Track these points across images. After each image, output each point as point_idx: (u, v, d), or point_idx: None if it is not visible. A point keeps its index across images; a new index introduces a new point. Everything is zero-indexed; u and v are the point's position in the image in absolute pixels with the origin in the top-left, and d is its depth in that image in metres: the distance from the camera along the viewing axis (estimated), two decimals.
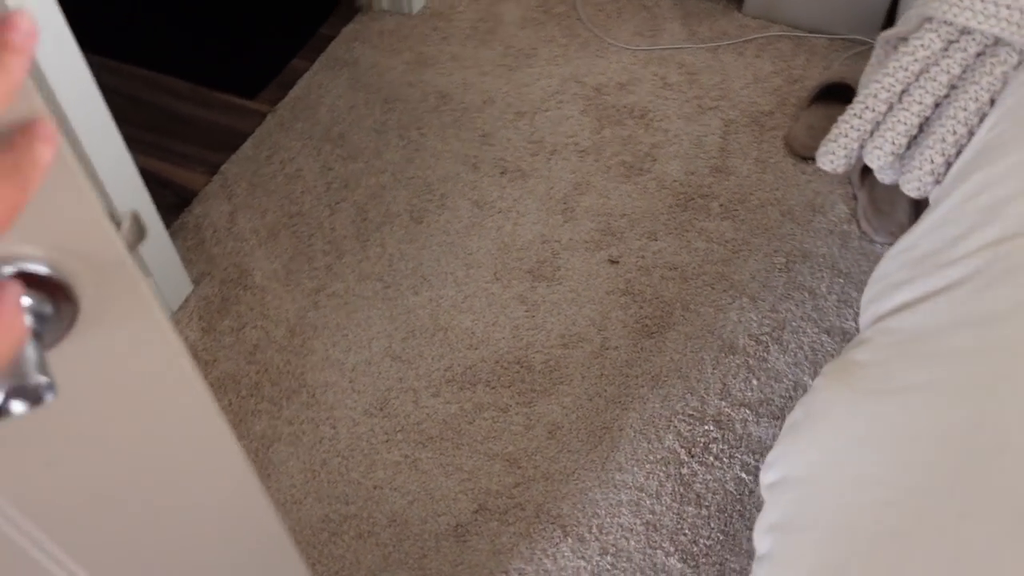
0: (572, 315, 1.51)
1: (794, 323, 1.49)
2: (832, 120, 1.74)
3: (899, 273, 0.98)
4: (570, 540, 1.27)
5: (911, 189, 1.15)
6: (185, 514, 0.63)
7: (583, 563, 1.25)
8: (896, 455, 0.75)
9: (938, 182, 1.14)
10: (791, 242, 1.60)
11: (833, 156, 1.22)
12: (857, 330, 1.36)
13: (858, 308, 1.45)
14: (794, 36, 1.96)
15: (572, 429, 1.37)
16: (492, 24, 2.02)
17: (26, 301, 0.40)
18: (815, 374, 1.42)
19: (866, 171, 1.66)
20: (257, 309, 1.52)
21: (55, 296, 0.42)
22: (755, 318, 1.50)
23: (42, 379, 0.37)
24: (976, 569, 0.65)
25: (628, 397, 1.41)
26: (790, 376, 1.43)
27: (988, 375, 0.75)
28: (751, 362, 1.44)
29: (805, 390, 1.39)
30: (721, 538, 1.27)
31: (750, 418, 1.38)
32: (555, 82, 1.89)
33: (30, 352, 0.38)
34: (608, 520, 1.29)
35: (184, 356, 0.51)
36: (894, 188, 1.61)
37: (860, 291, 1.52)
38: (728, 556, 1.25)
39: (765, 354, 1.45)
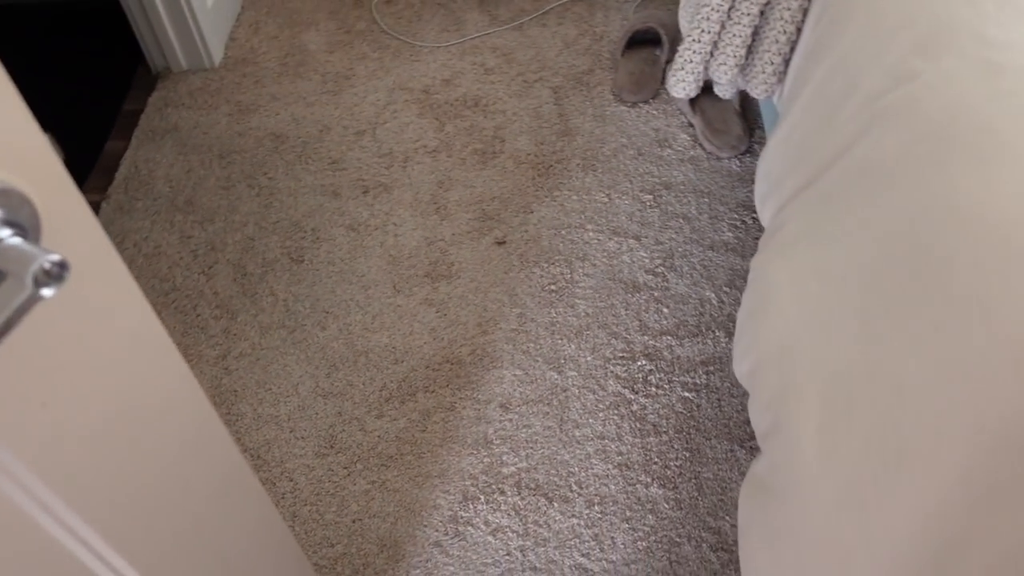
0: (480, 302, 1.54)
1: (680, 249, 1.59)
2: (647, 63, 1.86)
3: (785, 161, 1.08)
4: (556, 504, 1.30)
5: (759, 92, 1.27)
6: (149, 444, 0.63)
7: (575, 520, 1.29)
8: (848, 298, 0.84)
9: (780, 81, 1.26)
10: (651, 178, 1.71)
11: (684, 83, 1.32)
12: (760, 228, 1.47)
13: (729, 219, 1.58)
14: (585, 1, 2.08)
15: (521, 401, 1.41)
16: (300, 57, 2.01)
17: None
18: (715, 288, 1.53)
19: (695, 99, 1.79)
20: None
21: (20, 209, 0.43)
22: (645, 255, 1.59)
23: (54, 256, 0.40)
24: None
25: (560, 358, 1.46)
26: (694, 296, 1.53)
27: (904, 209, 0.85)
28: (656, 294, 1.53)
29: (711, 304, 1.50)
30: (687, 455, 1.34)
31: (674, 343, 1.47)
32: (382, 95, 1.91)
33: (26, 246, 0.40)
34: (583, 475, 1.33)
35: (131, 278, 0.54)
36: (723, 107, 1.76)
37: (725, 205, 1.65)
38: (699, 469, 1.33)
39: (665, 283, 1.55)
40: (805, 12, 1.17)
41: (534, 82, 1.91)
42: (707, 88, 1.80)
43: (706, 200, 1.66)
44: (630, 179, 1.71)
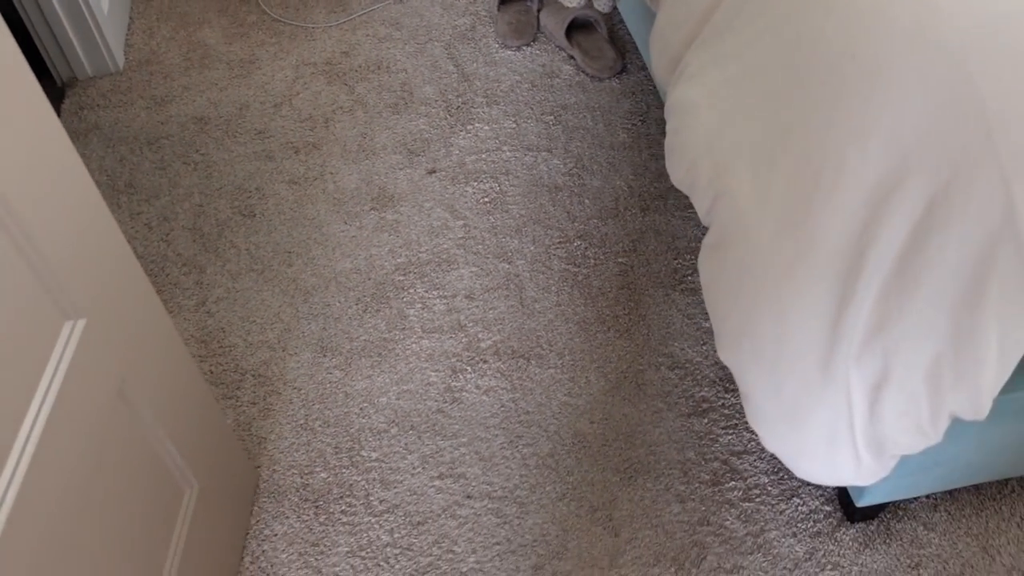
0: (426, 221, 1.73)
1: (587, 153, 1.84)
2: (522, 13, 2.12)
3: (673, 30, 1.34)
4: (533, 361, 1.51)
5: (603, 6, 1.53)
6: None
7: (552, 370, 1.49)
8: (755, 90, 1.10)
9: None
10: (548, 103, 1.95)
11: None
12: (648, 127, 1.71)
13: (621, 125, 1.84)
14: None
15: (483, 290, 1.61)
16: (202, 51, 2.14)
17: None
18: (623, 178, 1.78)
19: (570, 33, 2.06)
20: None
21: None
22: (559, 162, 1.83)
23: None
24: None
25: (510, 252, 1.67)
26: (607, 186, 1.78)
27: (784, 19, 1.11)
28: (575, 191, 1.77)
29: (623, 190, 1.75)
30: (632, 305, 1.58)
31: (600, 224, 1.71)
32: (289, 72, 2.07)
33: None
34: (550, 335, 1.54)
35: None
36: (595, 37, 2.03)
37: (614, 115, 1.91)
38: (644, 312, 1.57)
39: (581, 181, 1.79)
40: None
41: (425, 43, 2.12)
42: (578, 25, 2.07)
43: (599, 113, 1.92)
44: (530, 107, 1.95)
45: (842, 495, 1.30)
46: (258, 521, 1.33)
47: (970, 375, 0.96)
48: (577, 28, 2.08)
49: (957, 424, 1.10)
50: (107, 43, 2.05)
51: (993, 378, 0.96)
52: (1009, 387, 1.07)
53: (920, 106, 0.93)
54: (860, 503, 1.21)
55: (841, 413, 1.04)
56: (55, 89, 2.07)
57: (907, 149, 0.93)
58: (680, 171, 1.21)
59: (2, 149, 0.72)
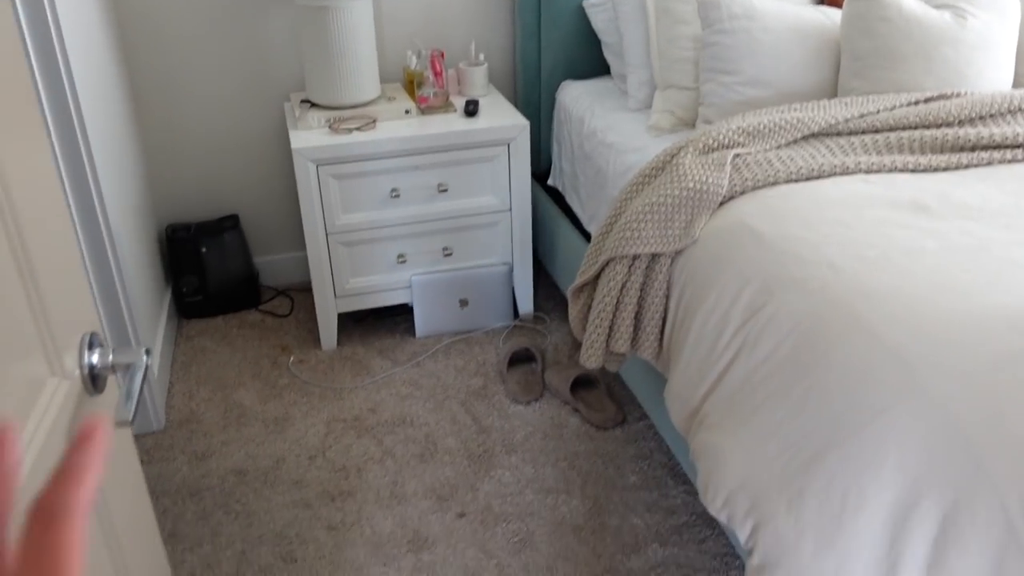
0: (462, 561, 1.84)
1: (602, 494, 2.02)
2: (528, 373, 2.42)
3: (688, 387, 1.61)
4: None
5: (648, 355, 1.82)
6: None
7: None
8: (771, 434, 1.33)
9: (661, 347, 1.83)
10: (561, 451, 2.17)
11: (595, 356, 1.86)
12: (652, 468, 1.92)
13: (629, 468, 2.05)
14: (460, 340, 2.65)
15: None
16: (239, 411, 2.35)
17: None
18: (638, 514, 1.95)
19: (574, 389, 2.34)
20: None
21: None
22: (578, 503, 2.00)
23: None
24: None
25: None
26: (626, 524, 1.93)
27: (796, 383, 1.38)
28: (596, 529, 1.92)
29: (642, 530, 1.91)
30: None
31: (624, 559, 1.84)
32: (321, 427, 2.28)
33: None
34: None
35: None
36: (597, 393, 2.31)
37: (622, 459, 2.13)
38: None
39: (601, 521, 1.95)
40: (668, 296, 1.78)
41: (443, 400, 2.38)
42: (580, 382, 2.36)
43: (608, 459, 2.14)
44: (545, 454, 2.16)
45: None
46: None
47: None
48: (580, 385, 2.37)
49: None
50: (151, 404, 2.25)
51: None
52: None
53: (918, 442, 1.16)
54: None
55: None
56: None
57: (917, 474, 1.15)
58: (717, 504, 1.40)
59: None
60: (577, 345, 2.60)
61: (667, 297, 1.79)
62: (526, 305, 2.71)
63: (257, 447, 2.21)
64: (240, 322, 2.77)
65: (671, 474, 2.09)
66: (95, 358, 0.86)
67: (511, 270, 2.65)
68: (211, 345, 2.66)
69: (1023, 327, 1.24)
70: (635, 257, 1.79)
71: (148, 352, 0.89)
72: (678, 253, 1.74)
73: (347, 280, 2.54)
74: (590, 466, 2.12)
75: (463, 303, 2.64)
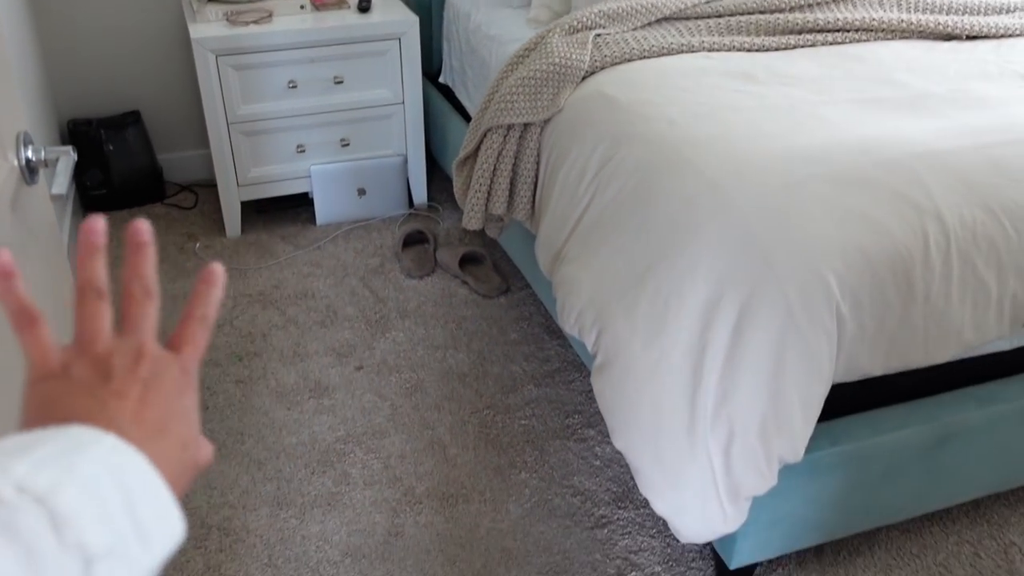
0: (359, 403, 2.07)
1: (486, 349, 2.27)
2: (420, 252, 2.62)
3: (552, 232, 1.85)
4: (461, 500, 1.81)
5: (522, 216, 2.05)
6: None
7: (477, 506, 1.80)
8: (616, 254, 1.58)
9: (533, 209, 2.06)
10: (451, 316, 2.40)
11: (475, 218, 2.08)
12: (532, 326, 2.16)
13: (511, 328, 2.30)
14: (359, 226, 2.83)
15: (414, 452, 1.93)
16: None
17: None
18: (516, 362, 2.20)
19: (462, 264, 2.56)
20: None
21: None
22: (464, 356, 2.24)
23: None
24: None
25: (431, 422, 2.02)
26: (506, 372, 2.19)
27: (631, 215, 1.63)
28: (480, 375, 2.17)
29: (520, 375, 2.16)
30: (538, 454, 1.94)
31: (503, 398, 2.10)
32: (228, 301, 2.45)
33: None
34: (474, 481, 1.86)
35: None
36: (483, 267, 2.54)
37: (505, 321, 2.38)
38: (549, 459, 1.92)
39: (484, 369, 2.19)
40: (538, 163, 2.01)
41: (343, 277, 2.57)
42: (468, 258, 2.59)
43: (492, 321, 2.38)
44: (436, 318, 2.39)
45: (720, 572, 1.64)
46: None
47: (786, 426, 1.38)
48: (467, 260, 2.60)
49: (788, 479, 1.49)
50: None
51: (802, 426, 1.39)
52: (823, 444, 1.49)
53: (724, 251, 1.43)
54: (732, 565, 1.56)
55: (706, 471, 1.42)
56: None
57: (720, 279, 1.42)
58: (571, 321, 1.65)
59: None
60: (467, 231, 2.82)
61: (537, 163, 2.01)
62: (420, 195, 2.91)
63: (166, 318, 2.37)
64: (146, 214, 2.89)
65: (547, 331, 2.35)
66: (29, 153, 1.03)
67: (405, 161, 2.84)
68: (117, 235, 2.77)
69: (813, 160, 1.51)
70: (509, 127, 2.01)
71: (74, 149, 1.06)
72: (546, 122, 1.96)
73: (249, 170, 2.68)
74: (476, 327, 2.36)
75: (361, 192, 2.82)
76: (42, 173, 1.09)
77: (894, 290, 1.39)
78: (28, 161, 1.03)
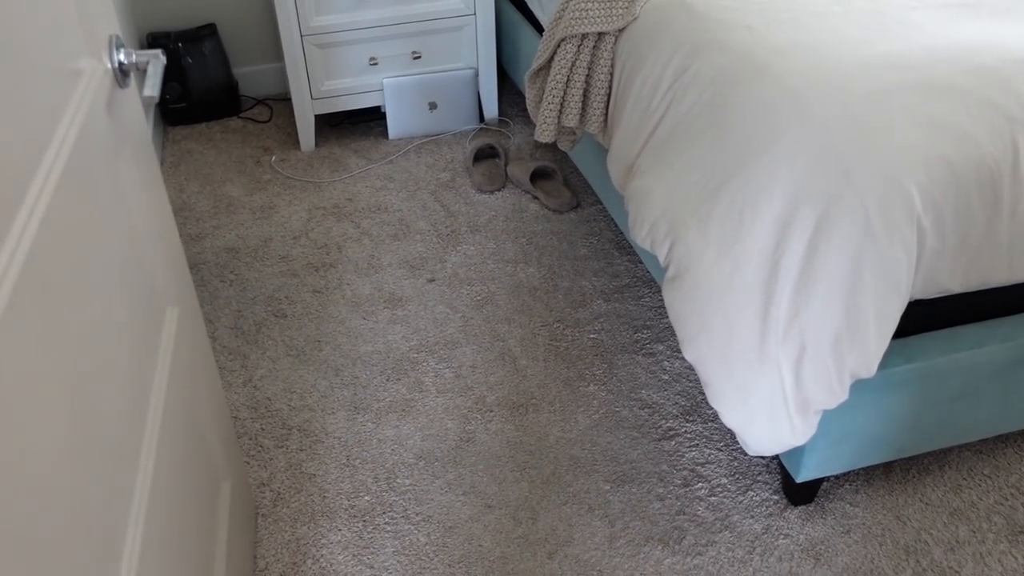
0: (432, 315, 2.11)
1: (556, 264, 2.28)
2: (492, 167, 2.62)
3: (625, 146, 1.83)
4: (531, 410, 1.85)
5: (595, 129, 2.03)
6: None
7: (546, 416, 1.84)
8: (693, 166, 1.56)
9: (606, 124, 2.03)
10: (521, 231, 2.41)
11: (547, 131, 2.07)
12: (602, 242, 2.15)
13: (581, 243, 2.30)
14: (430, 141, 2.84)
15: (485, 363, 1.97)
16: (227, 201, 2.57)
17: None
18: (587, 279, 2.21)
19: (533, 179, 2.56)
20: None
21: None
22: (535, 271, 2.26)
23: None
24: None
25: (502, 334, 2.05)
26: (576, 286, 2.20)
27: (710, 126, 1.60)
28: (550, 289, 2.19)
29: (589, 290, 2.17)
30: (607, 367, 1.96)
31: (572, 312, 2.12)
32: (304, 214, 2.50)
33: None
34: (543, 392, 1.90)
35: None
36: (554, 182, 2.53)
37: (575, 237, 2.38)
38: (615, 370, 1.95)
39: (554, 284, 2.21)
40: (611, 76, 1.97)
41: (415, 191, 2.60)
42: (539, 173, 2.58)
43: (563, 236, 2.39)
44: (506, 233, 2.40)
45: (786, 486, 1.65)
46: (316, 535, 1.60)
47: (859, 341, 1.37)
48: (539, 176, 2.59)
49: (859, 395, 1.49)
50: None
51: (876, 341, 1.37)
52: (897, 360, 1.48)
53: (802, 161, 1.39)
54: (799, 479, 1.57)
55: (776, 384, 1.42)
56: None
57: (798, 190, 1.39)
58: (643, 234, 1.64)
59: None
60: (538, 146, 2.80)
61: (611, 74, 1.98)
62: (491, 109, 2.89)
63: (246, 230, 2.44)
64: (223, 128, 2.95)
65: (617, 247, 2.34)
66: (121, 56, 1.06)
67: (476, 74, 2.81)
68: (197, 148, 2.84)
69: (898, 67, 1.45)
70: (583, 37, 1.97)
71: (164, 52, 1.09)
72: (621, 31, 1.92)
73: (322, 83, 2.70)
74: (546, 242, 2.36)
75: (432, 106, 2.81)
76: (132, 78, 1.12)
77: (979, 203, 1.34)
78: (120, 64, 1.06)
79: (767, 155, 1.43)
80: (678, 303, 1.54)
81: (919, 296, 1.44)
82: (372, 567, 1.54)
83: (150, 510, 0.94)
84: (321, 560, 1.56)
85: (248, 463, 1.74)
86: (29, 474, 0.64)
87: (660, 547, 1.57)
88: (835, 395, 1.41)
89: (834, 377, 1.40)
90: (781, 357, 1.41)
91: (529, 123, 2.94)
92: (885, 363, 1.46)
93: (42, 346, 0.70)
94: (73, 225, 0.83)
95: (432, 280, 2.23)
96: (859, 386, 1.46)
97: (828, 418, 1.49)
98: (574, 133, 2.15)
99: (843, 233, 1.35)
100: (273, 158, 2.77)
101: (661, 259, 1.60)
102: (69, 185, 0.82)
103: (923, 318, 1.52)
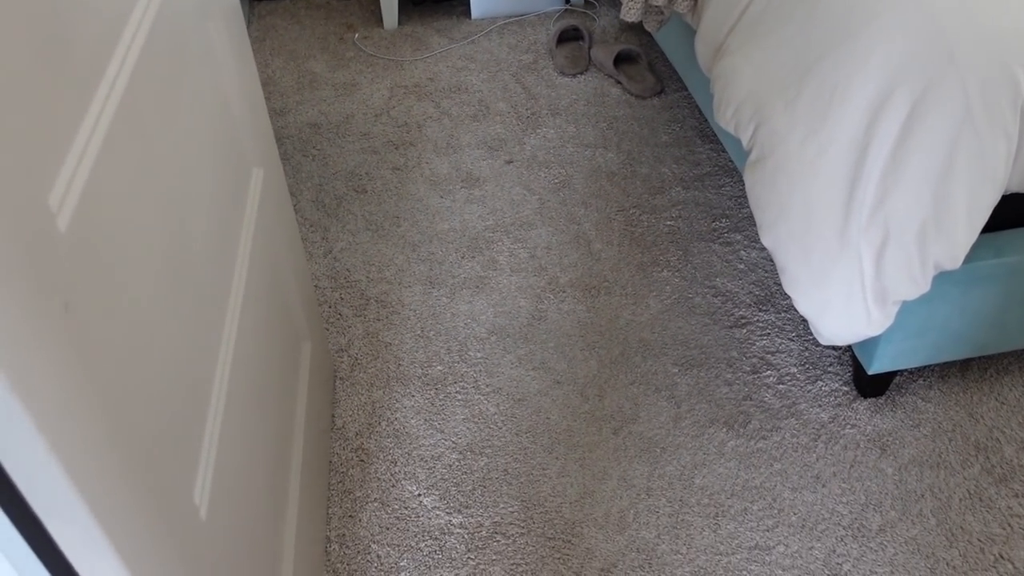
0: (508, 196, 2.12)
1: (635, 150, 2.24)
2: (575, 49, 2.56)
3: (715, 23, 1.76)
4: (603, 292, 1.87)
5: (683, 8, 1.96)
6: None
7: (618, 299, 1.85)
8: (781, 48, 1.50)
9: (696, 2, 1.96)
10: (602, 115, 2.37)
11: (634, 9, 2.01)
12: (683, 127, 2.10)
13: (663, 130, 2.25)
14: (513, 22, 2.79)
15: (560, 245, 1.98)
16: (311, 77, 2.58)
17: None
18: (667, 165, 2.17)
19: (617, 63, 2.50)
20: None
21: None
22: (613, 156, 2.23)
23: None
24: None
25: (578, 217, 2.05)
26: (655, 173, 2.17)
27: (801, 2, 1.53)
28: (628, 175, 2.17)
29: (667, 174, 2.14)
30: (682, 254, 1.95)
31: (650, 198, 2.09)
32: (385, 92, 2.51)
33: None
34: (616, 276, 1.91)
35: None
36: (638, 66, 2.47)
37: (657, 123, 2.33)
38: (691, 258, 1.93)
39: (633, 170, 2.18)
40: None
41: (496, 72, 2.57)
42: (623, 57, 2.51)
43: (644, 122, 2.34)
44: (587, 117, 2.37)
45: (857, 378, 1.64)
46: (391, 399, 1.67)
47: (947, 231, 1.33)
48: (622, 59, 2.53)
49: (942, 287, 1.45)
50: None
51: (965, 233, 1.33)
52: (985, 254, 1.43)
53: (901, 39, 1.33)
54: (871, 370, 1.55)
55: (854, 272, 1.40)
56: None
57: (894, 71, 1.33)
58: (727, 115, 1.60)
59: None
60: (623, 28, 2.72)
61: None
62: None
63: (328, 106, 2.46)
64: (308, 4, 2.94)
65: (700, 135, 2.29)
66: None
67: None
68: (281, 23, 2.85)
69: None
70: None
71: None
72: None
73: None
74: (627, 127, 2.32)
75: None
76: None
77: None
78: None
79: (863, 33, 1.37)
80: (759, 187, 1.51)
81: (1015, 190, 1.38)
82: (443, 431, 1.61)
83: (236, 360, 0.99)
84: (395, 422, 1.63)
85: (328, 329, 1.81)
86: (130, 303, 0.68)
87: (724, 429, 1.59)
88: (916, 286, 1.38)
89: (917, 267, 1.36)
90: (863, 244, 1.38)
91: (613, 5, 2.85)
92: (972, 256, 1.42)
93: (139, 178, 0.73)
94: (164, 75, 0.85)
95: (510, 162, 2.23)
96: (943, 279, 1.42)
97: (907, 310, 1.46)
98: (662, 13, 2.08)
99: (940, 117, 1.29)
100: (356, 35, 2.76)
101: (744, 142, 1.56)
102: (159, 36, 0.84)
103: (1017, 213, 1.46)
